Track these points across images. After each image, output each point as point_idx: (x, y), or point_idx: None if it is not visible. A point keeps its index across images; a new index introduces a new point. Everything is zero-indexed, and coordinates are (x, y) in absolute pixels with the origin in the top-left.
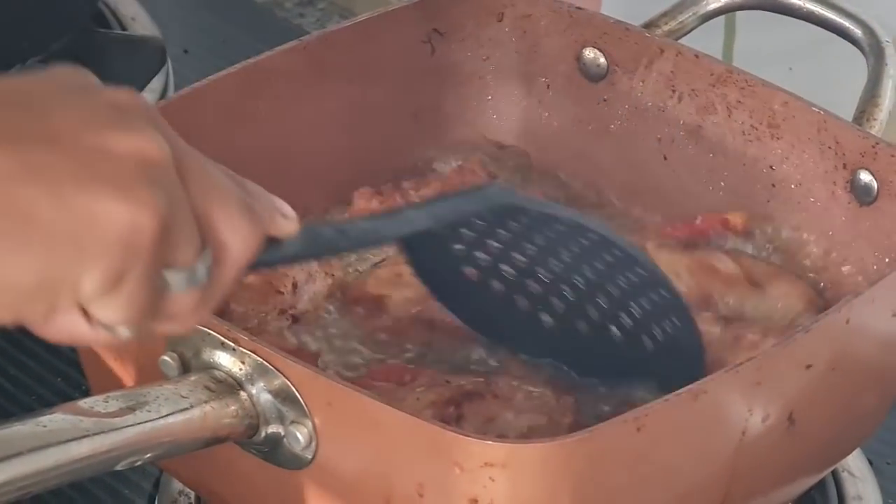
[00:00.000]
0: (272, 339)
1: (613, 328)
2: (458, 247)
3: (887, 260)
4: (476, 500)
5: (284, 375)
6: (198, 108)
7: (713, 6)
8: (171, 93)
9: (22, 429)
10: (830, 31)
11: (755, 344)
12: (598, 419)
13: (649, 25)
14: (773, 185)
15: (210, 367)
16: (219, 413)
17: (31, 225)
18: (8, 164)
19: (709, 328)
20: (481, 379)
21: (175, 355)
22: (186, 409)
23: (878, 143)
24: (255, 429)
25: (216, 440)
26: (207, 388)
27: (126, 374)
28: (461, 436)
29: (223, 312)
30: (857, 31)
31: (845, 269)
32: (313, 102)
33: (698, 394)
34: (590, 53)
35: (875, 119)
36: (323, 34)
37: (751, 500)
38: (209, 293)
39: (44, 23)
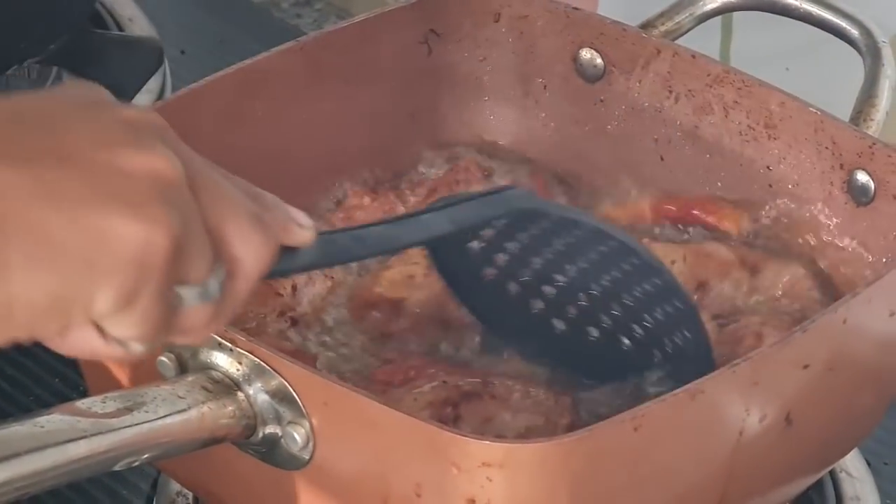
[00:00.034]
0: (271, 340)
1: (625, 339)
2: (477, 245)
3: (884, 260)
4: (473, 500)
5: (281, 376)
6: (195, 109)
7: (710, 7)
8: (168, 93)
9: (20, 429)
10: (827, 31)
11: (753, 345)
12: (596, 419)
13: (646, 26)
14: (770, 186)
15: (207, 367)
16: (216, 414)
17: (44, 244)
18: (22, 183)
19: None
20: (478, 380)
21: (172, 356)
22: (184, 409)
23: (874, 144)
24: (252, 429)
25: (213, 441)
26: (205, 388)
27: (123, 375)
28: (458, 436)
29: None
30: (854, 32)
31: (842, 269)
32: (310, 103)
33: (695, 394)
34: (586, 54)
35: (872, 119)
36: (320, 35)
37: (748, 500)
38: (223, 306)
39: (41, 24)
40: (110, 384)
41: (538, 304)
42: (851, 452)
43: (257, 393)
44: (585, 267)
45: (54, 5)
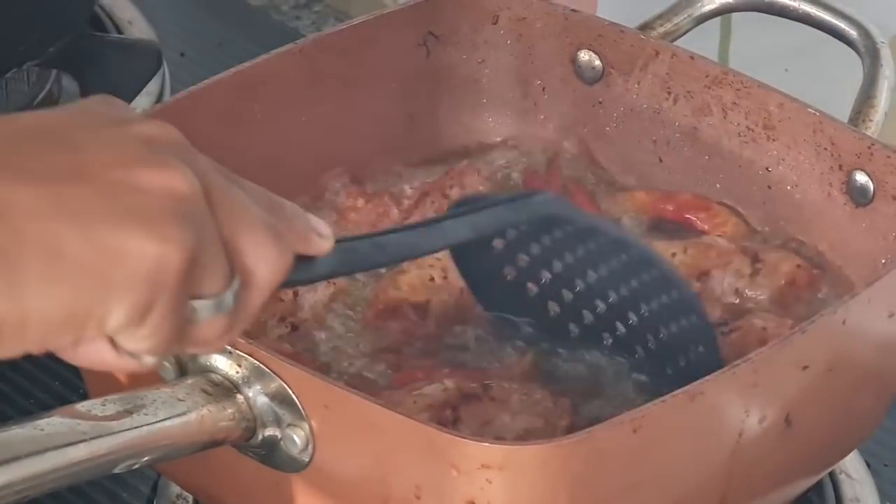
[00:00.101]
0: (271, 344)
1: (638, 348)
2: (499, 245)
3: (883, 261)
4: (473, 502)
5: (281, 378)
6: (194, 112)
7: (708, 8)
8: (167, 96)
9: (20, 432)
10: (826, 32)
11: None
12: (595, 422)
13: (644, 27)
14: (769, 187)
15: (207, 370)
16: (216, 416)
17: (58, 260)
18: (38, 199)
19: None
20: (478, 382)
21: (172, 359)
22: (183, 412)
23: (873, 144)
24: (252, 432)
25: (213, 443)
26: (204, 391)
27: (123, 378)
28: (458, 438)
29: None
30: (853, 33)
31: (842, 270)
32: (309, 105)
33: (695, 395)
34: (585, 56)
35: (871, 120)
36: (319, 37)
37: (748, 501)
38: (237, 318)
39: (41, 27)
40: (110, 387)
41: (555, 307)
42: (851, 454)
43: (257, 395)
44: (604, 274)
45: (53, 8)
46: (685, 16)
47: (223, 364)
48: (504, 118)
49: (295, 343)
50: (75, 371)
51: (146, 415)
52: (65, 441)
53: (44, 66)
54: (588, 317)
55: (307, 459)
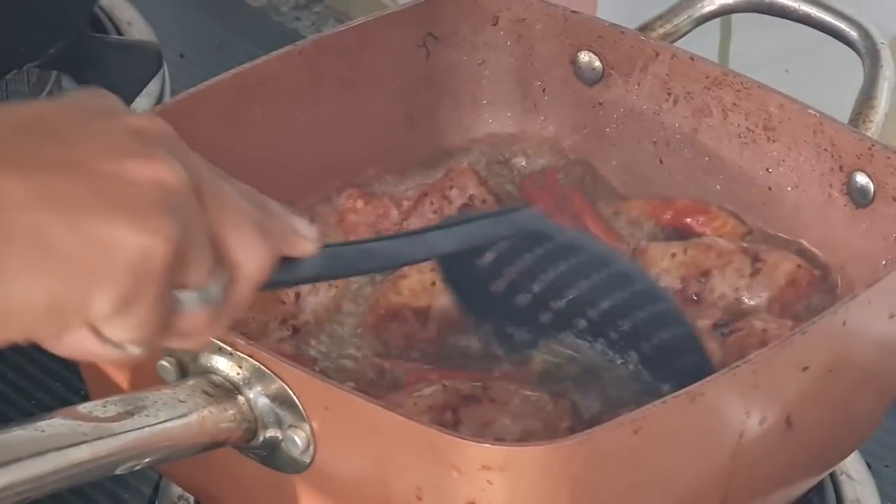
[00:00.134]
0: (271, 345)
1: (620, 361)
2: (484, 259)
3: (884, 262)
4: (474, 503)
5: (282, 379)
6: (194, 113)
7: (708, 9)
8: (167, 97)
9: (21, 434)
10: (826, 33)
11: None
12: (596, 423)
13: (644, 29)
14: (770, 188)
15: (208, 371)
16: (217, 417)
17: (44, 251)
18: (25, 190)
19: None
20: (478, 383)
21: (173, 360)
22: (184, 413)
23: (874, 145)
24: (253, 433)
25: (214, 444)
26: (205, 392)
27: (124, 379)
28: (459, 439)
29: None
30: (853, 33)
31: (842, 271)
32: (309, 107)
33: (695, 396)
34: (585, 57)
35: (871, 121)
36: (318, 39)
37: (749, 503)
38: (222, 311)
39: (40, 28)
40: (111, 388)
41: (543, 318)
42: (852, 455)
43: (258, 397)
44: (586, 289)
45: (53, 10)
46: (685, 17)
47: (224, 365)
48: (504, 119)
49: (296, 345)
50: (76, 372)
51: (147, 416)
52: (66, 442)
53: (44, 67)
54: (572, 328)
55: (308, 460)
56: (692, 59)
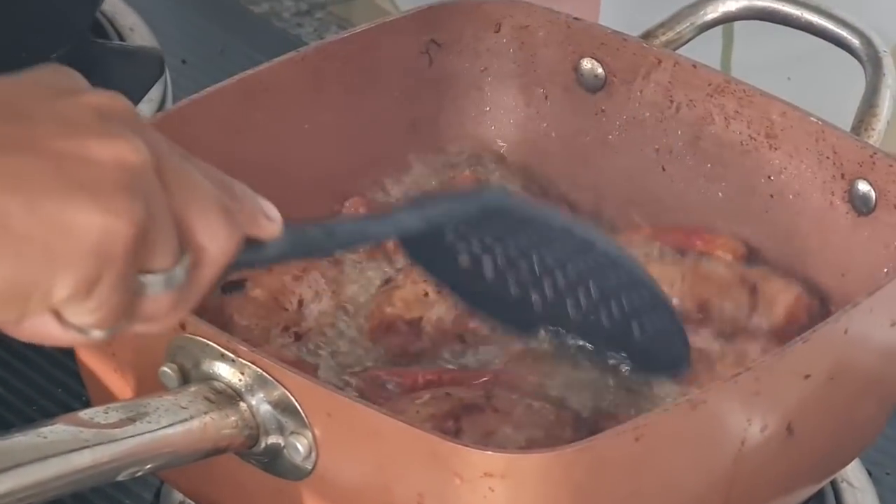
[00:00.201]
0: (273, 352)
1: (601, 318)
2: (449, 236)
3: (885, 270)
4: None
5: (284, 386)
6: (196, 120)
7: (711, 16)
8: (169, 103)
9: (22, 440)
10: (828, 40)
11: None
12: (598, 431)
13: (647, 36)
14: (772, 196)
15: (210, 378)
16: (219, 424)
17: (2, 234)
18: None
19: (709, 345)
20: (481, 392)
21: (175, 366)
22: (186, 419)
23: (876, 153)
24: (254, 439)
25: (216, 451)
26: (207, 399)
27: (126, 386)
28: (461, 446)
29: (225, 325)
30: (855, 41)
31: (843, 278)
32: (311, 113)
33: (697, 404)
34: (587, 64)
35: (873, 129)
36: (321, 45)
37: None
38: (186, 294)
39: (42, 33)
40: (112, 394)
41: (512, 288)
42: (853, 462)
43: (260, 403)
44: (554, 259)
45: (55, 15)
46: (688, 24)
47: (226, 372)
48: (506, 126)
49: (298, 352)
50: (77, 378)
51: (149, 422)
52: (68, 448)
53: None
54: (544, 294)
55: (310, 467)
56: (695, 66)
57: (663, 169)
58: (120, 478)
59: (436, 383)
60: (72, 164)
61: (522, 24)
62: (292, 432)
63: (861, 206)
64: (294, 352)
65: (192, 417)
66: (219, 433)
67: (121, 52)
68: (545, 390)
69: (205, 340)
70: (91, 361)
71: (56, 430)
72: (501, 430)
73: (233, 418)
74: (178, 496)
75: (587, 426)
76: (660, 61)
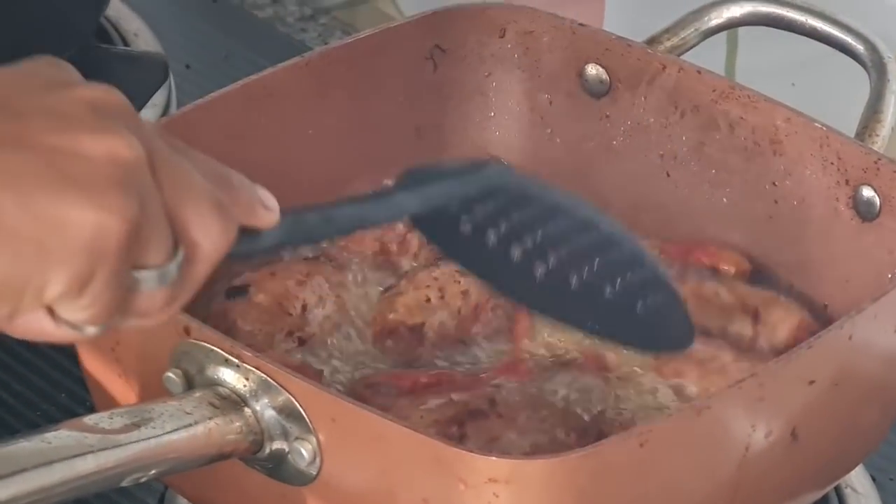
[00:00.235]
0: (278, 357)
1: (605, 290)
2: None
3: (890, 276)
4: None
5: (288, 392)
6: (200, 125)
7: (715, 22)
8: (173, 108)
9: (27, 445)
10: (832, 46)
11: None
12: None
13: (651, 41)
14: (776, 202)
15: (214, 383)
16: (223, 429)
17: None
18: None
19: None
20: (485, 398)
21: (179, 372)
22: (191, 425)
23: (880, 159)
24: (259, 445)
25: (220, 456)
26: (212, 404)
27: (130, 391)
28: (465, 451)
29: (229, 330)
30: (860, 47)
31: (848, 284)
32: (315, 118)
33: (701, 410)
34: (592, 70)
35: (877, 135)
36: (325, 50)
37: None
38: (180, 290)
39: (46, 38)
40: (116, 400)
41: (516, 255)
42: (857, 468)
43: (264, 409)
44: (556, 236)
45: (59, 20)
46: (692, 30)
47: (230, 377)
48: (511, 132)
49: (303, 357)
50: (81, 383)
51: (153, 428)
52: (72, 454)
53: None
54: (548, 264)
55: (314, 473)
56: (699, 72)
57: (668, 175)
58: (124, 483)
59: (435, 385)
60: (64, 160)
61: (527, 30)
62: (297, 438)
63: (865, 212)
64: (298, 357)
65: (196, 423)
66: (223, 439)
67: (125, 58)
68: (549, 396)
69: (209, 346)
70: (95, 367)
71: (60, 436)
72: (506, 435)
73: (237, 424)
74: (183, 502)
75: (592, 432)
76: (664, 67)
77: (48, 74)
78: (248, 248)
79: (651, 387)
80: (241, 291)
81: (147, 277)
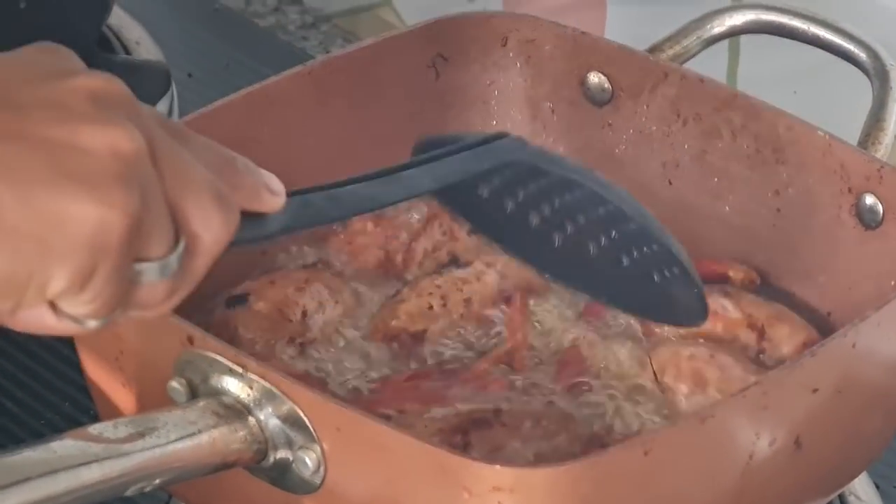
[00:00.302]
0: (281, 365)
1: (622, 259)
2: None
3: (893, 283)
4: None
5: (293, 401)
6: (204, 134)
7: (717, 30)
8: (175, 117)
9: (32, 454)
10: (835, 54)
11: None
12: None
13: (654, 50)
14: (779, 210)
15: (218, 392)
16: (227, 438)
17: None
18: None
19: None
20: (490, 406)
21: (183, 381)
22: (195, 434)
23: (883, 167)
24: (263, 454)
25: (225, 465)
26: (216, 413)
27: (134, 400)
28: (469, 460)
29: (231, 339)
30: (862, 55)
31: (851, 292)
32: (317, 127)
33: (705, 418)
34: (594, 78)
35: (880, 142)
36: (327, 59)
37: None
38: (181, 281)
39: None
40: (120, 409)
41: (534, 221)
42: (860, 476)
43: (268, 418)
44: (571, 207)
45: (61, 29)
46: (694, 38)
47: (234, 386)
48: None
49: (305, 364)
50: (86, 392)
51: (158, 437)
52: (77, 463)
53: None
54: (567, 231)
55: (319, 481)
56: (701, 80)
57: (670, 183)
58: (129, 492)
59: (438, 389)
60: (64, 154)
61: (529, 38)
62: (301, 447)
63: (868, 220)
64: (301, 364)
65: (200, 432)
66: (227, 448)
67: (127, 66)
68: (553, 404)
69: (213, 355)
70: (99, 376)
71: (65, 445)
72: (510, 444)
73: (241, 433)
74: None
75: (596, 440)
76: (666, 75)
77: (48, 63)
78: (254, 233)
79: (655, 397)
80: (240, 300)
81: (148, 269)
